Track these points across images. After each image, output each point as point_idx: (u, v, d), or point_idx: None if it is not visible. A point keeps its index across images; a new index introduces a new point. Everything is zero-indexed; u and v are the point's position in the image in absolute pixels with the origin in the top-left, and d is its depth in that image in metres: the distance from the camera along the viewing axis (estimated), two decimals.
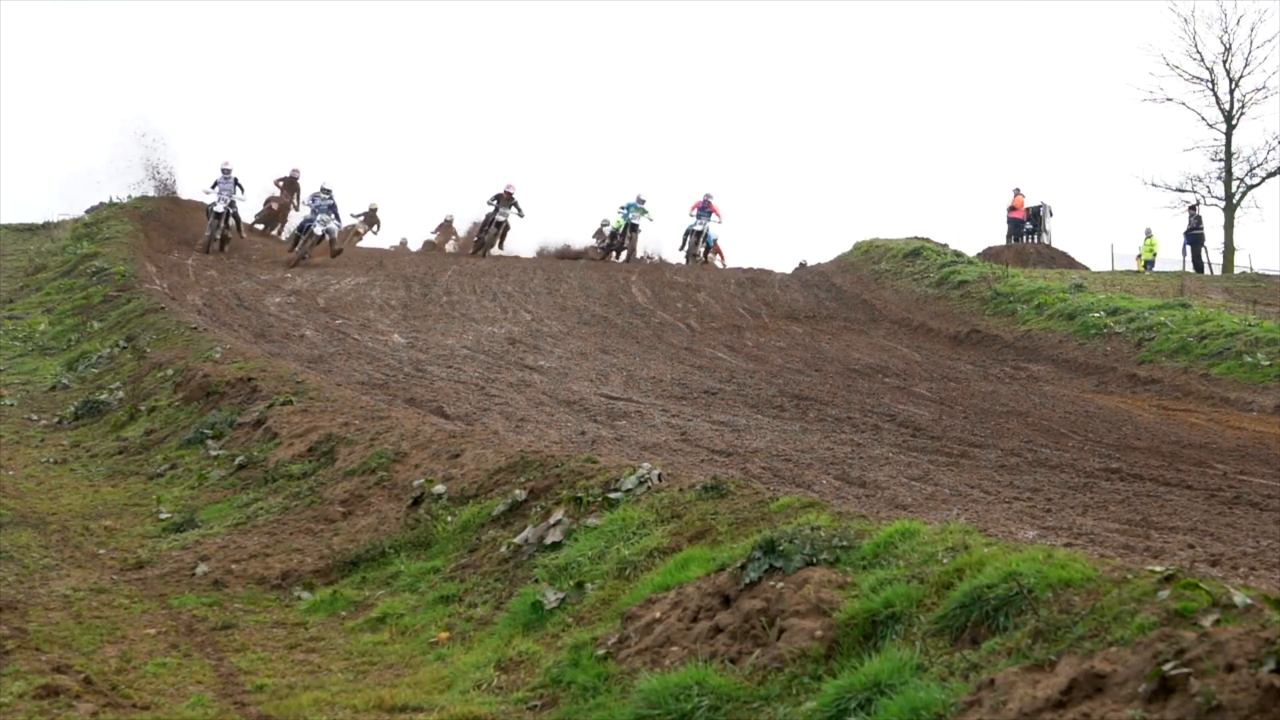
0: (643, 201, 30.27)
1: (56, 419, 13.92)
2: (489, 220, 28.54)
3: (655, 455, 9.65)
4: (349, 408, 10.93)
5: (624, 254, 29.79)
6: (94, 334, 18.29)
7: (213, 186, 25.31)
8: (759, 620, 4.76)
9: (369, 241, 31.25)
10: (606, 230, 30.89)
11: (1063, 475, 9.93)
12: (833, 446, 10.83)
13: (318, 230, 24.83)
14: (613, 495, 6.84)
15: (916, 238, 29.30)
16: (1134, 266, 33.02)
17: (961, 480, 9.38)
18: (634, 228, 29.73)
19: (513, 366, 16.19)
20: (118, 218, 26.25)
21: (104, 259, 22.63)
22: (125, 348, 16.51)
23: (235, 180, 25.54)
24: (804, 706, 4.18)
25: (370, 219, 31.94)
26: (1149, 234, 33.83)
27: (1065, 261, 32.74)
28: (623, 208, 30.36)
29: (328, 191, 25.42)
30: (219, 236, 25.04)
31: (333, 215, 25.16)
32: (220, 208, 24.99)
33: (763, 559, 5.05)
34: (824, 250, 36.83)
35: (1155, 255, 33.55)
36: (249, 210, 29.13)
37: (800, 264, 31.85)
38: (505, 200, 28.29)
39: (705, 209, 29.82)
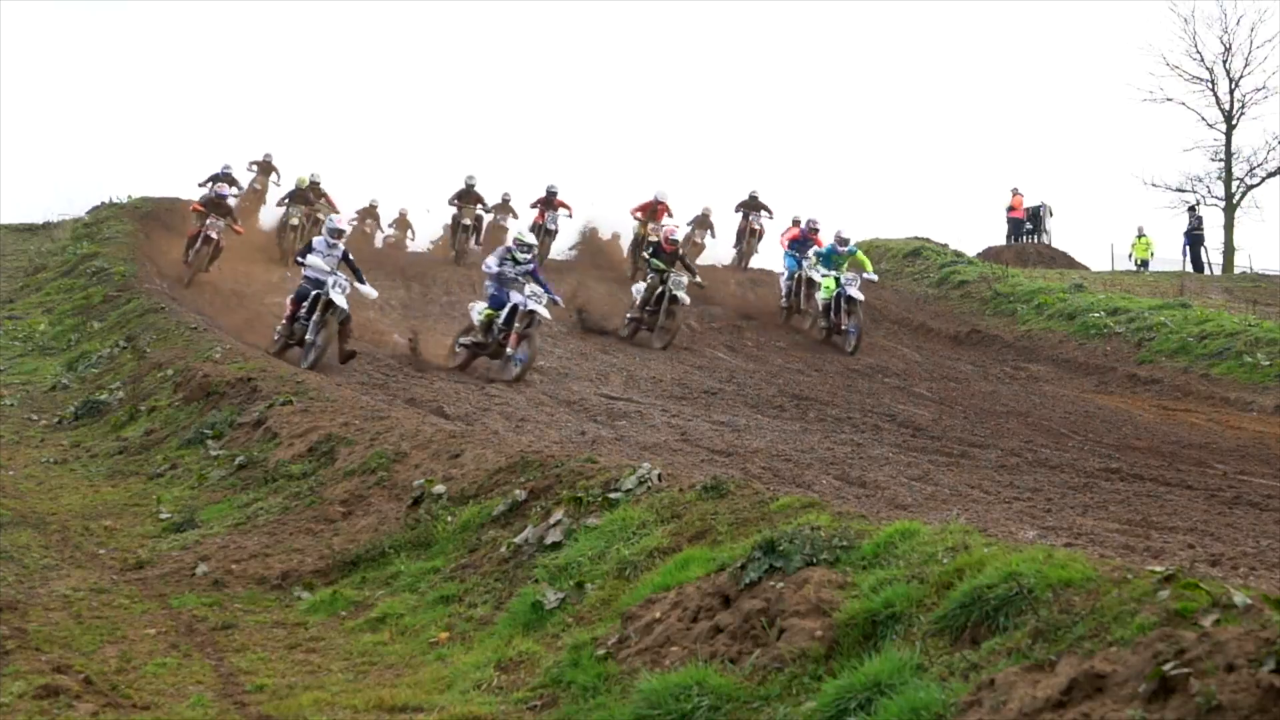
0: (842, 244, 20.16)
1: (56, 419, 13.92)
2: (661, 297, 18.59)
3: (655, 455, 9.65)
4: (349, 408, 10.92)
5: (852, 344, 19.08)
6: (94, 334, 18.28)
7: (306, 252, 15.09)
8: (759, 620, 4.76)
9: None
10: (819, 299, 20.11)
11: (1063, 475, 9.93)
12: (833, 446, 10.83)
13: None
14: (613, 495, 6.83)
15: (916, 238, 29.33)
16: (1132, 266, 32.96)
17: (961, 480, 9.38)
18: (851, 300, 19.28)
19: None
20: (118, 218, 26.21)
21: (104, 259, 22.60)
22: (125, 348, 16.50)
23: (347, 255, 15.15)
24: (804, 706, 4.17)
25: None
26: (1141, 233, 33.57)
27: (1065, 261, 32.75)
28: (809, 256, 20.90)
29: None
30: (324, 344, 14.49)
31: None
32: (340, 299, 14.41)
33: (763, 559, 5.04)
34: None
35: (1151, 254, 33.36)
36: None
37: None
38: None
39: (807, 242, 21.28)
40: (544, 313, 14.86)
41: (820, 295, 19.93)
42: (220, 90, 76.14)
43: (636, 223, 24.61)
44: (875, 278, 20.75)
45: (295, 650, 6.25)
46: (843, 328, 19.46)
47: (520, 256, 15.29)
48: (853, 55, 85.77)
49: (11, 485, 10.46)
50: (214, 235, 20.99)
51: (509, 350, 14.88)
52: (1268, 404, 15.32)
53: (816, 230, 21.83)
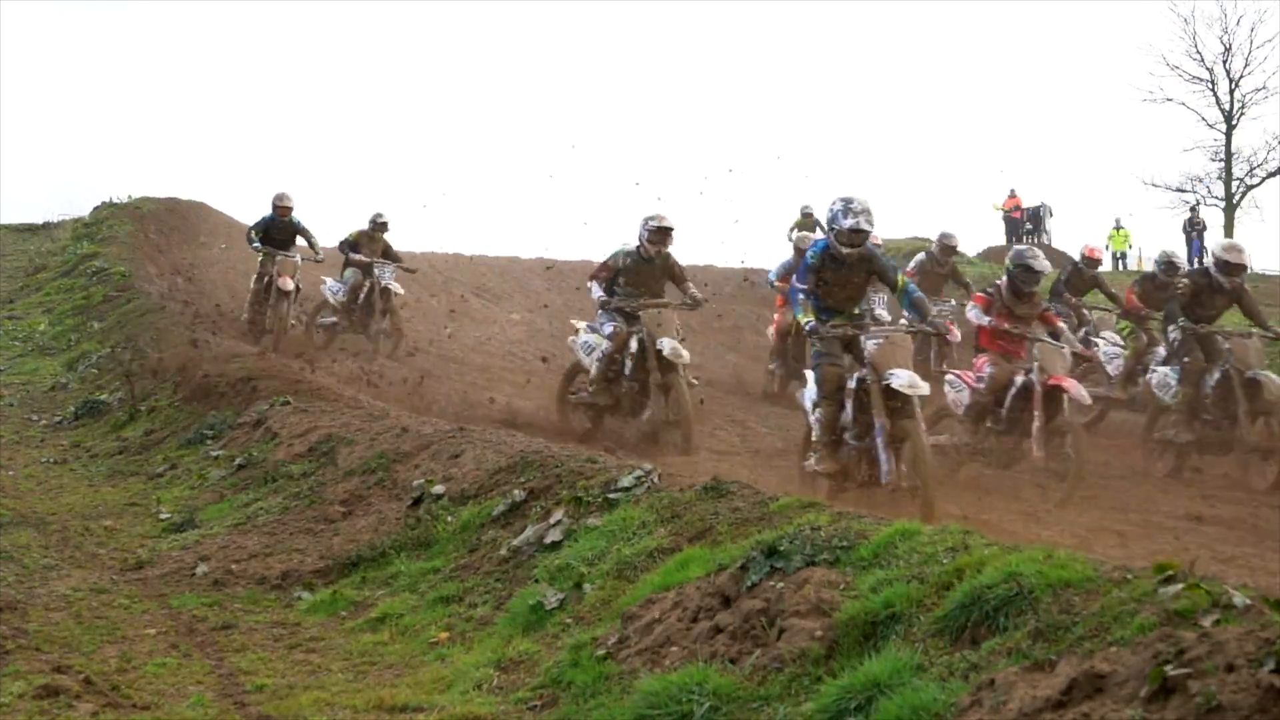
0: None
1: (56, 419, 13.92)
2: None
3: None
4: (349, 408, 10.92)
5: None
6: (94, 334, 18.27)
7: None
8: (759, 620, 4.75)
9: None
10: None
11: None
12: None
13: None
14: (612, 495, 6.84)
15: (917, 238, 29.26)
16: (1134, 266, 32.86)
17: (962, 480, 9.37)
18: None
19: (514, 366, 16.18)
20: (118, 218, 26.18)
21: (104, 259, 22.58)
22: (125, 348, 16.50)
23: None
24: (804, 707, 4.17)
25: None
26: (1118, 224, 33.07)
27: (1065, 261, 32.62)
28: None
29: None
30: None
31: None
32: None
33: (763, 559, 5.04)
34: None
35: (1129, 246, 32.91)
36: None
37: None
38: None
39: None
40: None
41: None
42: (220, 90, 76.21)
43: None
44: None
45: (295, 650, 6.25)
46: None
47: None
48: (852, 55, 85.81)
49: (11, 485, 10.46)
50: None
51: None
52: None
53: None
